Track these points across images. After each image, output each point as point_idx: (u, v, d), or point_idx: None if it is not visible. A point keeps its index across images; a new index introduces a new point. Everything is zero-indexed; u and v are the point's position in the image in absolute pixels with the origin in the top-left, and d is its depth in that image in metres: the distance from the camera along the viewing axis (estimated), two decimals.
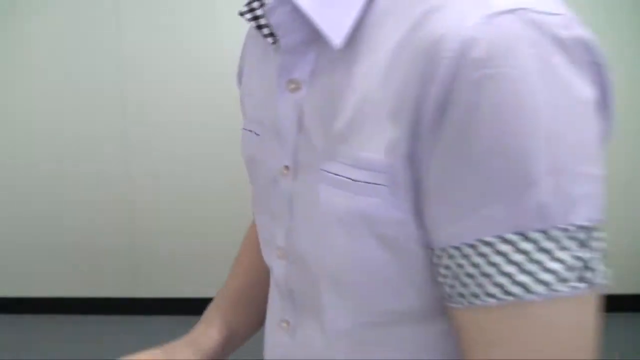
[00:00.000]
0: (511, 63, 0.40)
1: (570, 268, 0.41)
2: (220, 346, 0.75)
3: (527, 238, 0.41)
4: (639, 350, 2.78)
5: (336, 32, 0.47)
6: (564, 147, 0.41)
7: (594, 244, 0.42)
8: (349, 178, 0.48)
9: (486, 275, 0.42)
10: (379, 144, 0.46)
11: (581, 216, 0.41)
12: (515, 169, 0.41)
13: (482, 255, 0.42)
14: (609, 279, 0.43)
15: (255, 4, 0.56)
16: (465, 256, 0.43)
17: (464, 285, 0.44)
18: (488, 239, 0.42)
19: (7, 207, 3.30)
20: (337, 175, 0.49)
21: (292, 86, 0.52)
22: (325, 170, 0.50)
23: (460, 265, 0.44)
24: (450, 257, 0.44)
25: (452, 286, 0.45)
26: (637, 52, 3.04)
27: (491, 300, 0.42)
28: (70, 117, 3.20)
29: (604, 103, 0.45)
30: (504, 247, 0.42)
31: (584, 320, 0.43)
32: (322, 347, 0.56)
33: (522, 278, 0.41)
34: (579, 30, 0.43)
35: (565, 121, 0.41)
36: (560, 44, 0.42)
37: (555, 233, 0.41)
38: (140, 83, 3.16)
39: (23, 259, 3.32)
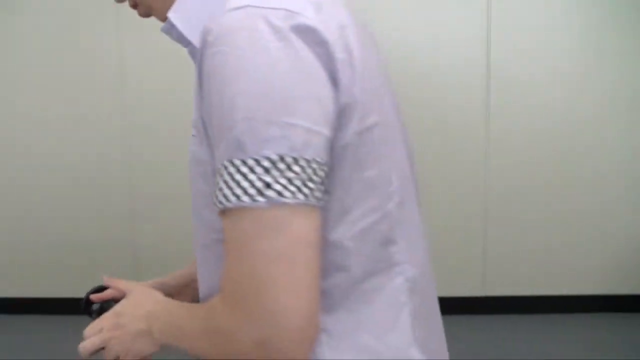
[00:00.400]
0: (228, 43, 0.59)
1: (254, 187, 0.57)
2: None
3: (232, 164, 0.58)
4: (639, 350, 2.78)
5: (197, 39, 0.69)
6: (259, 101, 0.57)
7: (278, 172, 0.57)
8: (193, 135, 0.69)
9: (218, 188, 0.60)
10: (196, 109, 0.66)
11: (269, 151, 0.57)
12: (225, 116, 0.59)
13: (220, 174, 0.60)
14: (305, 197, 0.57)
15: None
16: (218, 175, 0.60)
17: (214, 196, 0.61)
18: (219, 165, 0.60)
19: (7, 207, 3.30)
20: (192, 135, 0.70)
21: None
22: (192, 134, 0.71)
23: (216, 182, 0.61)
24: (215, 176, 0.63)
25: (214, 198, 0.62)
26: (637, 52, 3.04)
27: (218, 206, 0.60)
28: (70, 117, 3.20)
29: (332, 75, 0.61)
30: (222, 170, 0.59)
31: (266, 228, 0.57)
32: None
33: (226, 191, 0.58)
34: (302, 20, 0.60)
35: (265, 84, 0.58)
36: (275, 29, 0.59)
37: (249, 162, 0.57)
38: (141, 83, 3.16)
39: (23, 259, 3.32)
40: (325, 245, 0.65)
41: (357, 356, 0.67)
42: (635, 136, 3.09)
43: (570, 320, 3.10)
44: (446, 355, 0.84)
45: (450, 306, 3.19)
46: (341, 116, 0.63)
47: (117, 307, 0.80)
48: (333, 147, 0.63)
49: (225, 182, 0.58)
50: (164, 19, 0.74)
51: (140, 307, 0.76)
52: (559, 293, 3.18)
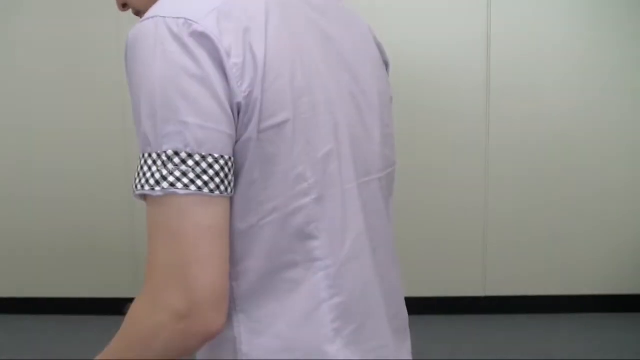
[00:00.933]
0: (136, 49, 0.67)
1: (154, 177, 0.64)
2: None
3: (142, 156, 0.66)
4: (639, 350, 2.78)
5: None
6: (158, 102, 0.65)
7: (173, 165, 0.64)
8: None
9: (134, 176, 0.68)
10: None
11: (167, 146, 0.64)
12: (136, 114, 0.67)
13: (139, 165, 0.67)
14: (198, 188, 0.64)
15: None
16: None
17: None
18: (139, 156, 0.67)
19: (8, 208, 3.30)
20: None
21: None
22: None
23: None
24: None
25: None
26: (637, 52, 3.04)
27: (133, 194, 0.68)
28: (70, 117, 3.20)
29: (226, 78, 0.67)
30: (138, 162, 0.67)
31: (163, 214, 0.65)
32: None
33: (136, 180, 0.66)
34: (197, 27, 0.66)
35: (163, 85, 0.65)
36: (175, 36, 0.66)
37: (153, 155, 0.65)
38: None
39: (23, 259, 3.32)
40: (238, 232, 0.72)
41: (270, 342, 0.73)
42: (637, 138, 3.08)
43: (570, 320, 3.10)
44: (401, 354, 0.88)
45: (450, 306, 3.20)
46: (241, 114, 0.68)
47: None
48: (238, 142, 0.69)
49: (137, 173, 0.67)
50: None
51: None
52: (559, 293, 3.18)
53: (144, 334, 0.66)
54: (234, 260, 0.72)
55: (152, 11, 0.69)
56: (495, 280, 3.19)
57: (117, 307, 3.12)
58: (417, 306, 3.24)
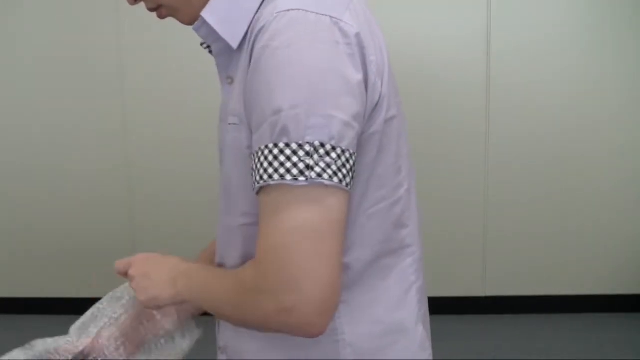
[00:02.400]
0: (282, 41, 0.65)
1: (296, 167, 0.64)
2: None
3: (277, 146, 0.65)
4: (639, 350, 2.78)
5: (233, 39, 0.75)
6: (305, 93, 0.64)
7: (318, 156, 0.64)
8: (230, 123, 0.75)
9: (260, 167, 0.66)
10: (239, 99, 0.73)
11: (312, 137, 0.64)
12: (272, 103, 0.65)
13: (260, 156, 0.66)
14: (339, 181, 0.64)
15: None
16: (256, 156, 0.67)
17: (253, 175, 0.67)
18: (258, 148, 0.67)
19: (8, 208, 3.30)
20: (229, 123, 0.76)
21: (229, 80, 0.78)
22: (228, 123, 0.77)
23: (254, 162, 0.67)
24: (253, 157, 0.68)
25: (253, 177, 0.68)
26: (637, 53, 3.04)
27: (258, 184, 0.66)
28: (70, 117, 3.20)
29: (366, 76, 0.69)
30: (264, 152, 0.66)
31: (304, 203, 0.64)
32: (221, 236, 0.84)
33: (270, 170, 0.65)
34: (343, 26, 0.67)
35: (311, 78, 0.64)
36: (323, 32, 0.66)
37: (293, 145, 0.64)
38: (140, 83, 3.16)
39: (23, 260, 3.32)
40: (351, 222, 0.73)
41: (371, 327, 0.76)
42: (637, 135, 3.08)
43: (570, 320, 3.10)
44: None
45: (450, 306, 3.20)
46: (370, 112, 0.71)
47: (140, 268, 0.87)
48: (362, 136, 0.71)
49: (270, 163, 0.65)
50: (189, 21, 0.80)
51: (163, 267, 0.83)
52: (559, 293, 3.18)
53: (247, 314, 0.68)
54: (342, 250, 0.71)
55: (289, 3, 0.68)
56: (495, 280, 3.19)
57: None
58: None
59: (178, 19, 0.82)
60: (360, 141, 0.71)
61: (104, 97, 3.17)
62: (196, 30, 0.79)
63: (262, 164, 0.66)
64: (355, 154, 0.68)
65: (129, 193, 3.23)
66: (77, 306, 3.50)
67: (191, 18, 0.79)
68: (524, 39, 3.04)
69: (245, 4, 0.74)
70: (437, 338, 3.37)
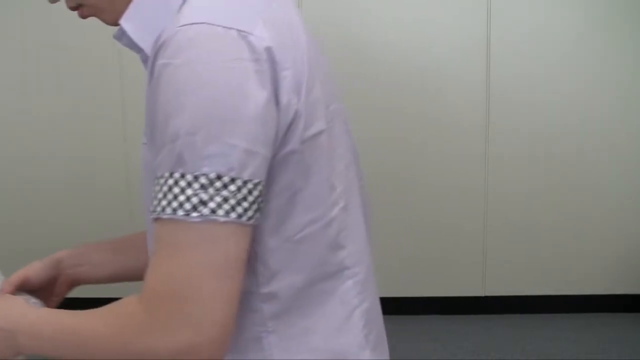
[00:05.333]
0: (181, 57, 0.60)
1: (189, 201, 0.59)
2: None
3: (172, 176, 0.60)
4: (639, 350, 2.78)
5: (148, 47, 0.69)
6: (203, 118, 0.59)
7: (214, 190, 0.59)
8: (143, 142, 0.72)
9: (155, 197, 0.61)
10: (148, 116, 0.67)
11: (208, 168, 0.59)
12: (170, 128, 0.60)
13: (159, 183, 0.61)
14: (237, 216, 0.60)
15: None
16: (156, 182, 0.62)
17: (152, 202, 0.62)
18: (159, 173, 0.61)
19: (8, 208, 3.30)
20: (142, 142, 0.72)
21: None
22: (142, 141, 0.73)
23: (153, 188, 0.63)
24: (154, 182, 0.63)
25: (152, 203, 0.63)
26: (636, 51, 3.04)
27: (152, 215, 0.62)
28: (69, 117, 3.20)
29: (277, 94, 0.63)
30: (162, 180, 0.61)
31: (197, 242, 0.59)
32: None
33: (163, 202, 0.60)
34: (252, 40, 0.62)
35: (210, 102, 0.59)
36: (225, 48, 0.60)
37: (188, 177, 0.59)
38: (140, 83, 3.15)
39: (24, 260, 3.31)
40: (271, 249, 0.68)
41: (308, 356, 0.71)
42: (637, 135, 3.08)
43: (570, 320, 3.10)
44: (387, 353, 0.87)
45: (450, 306, 3.20)
46: (284, 133, 0.65)
47: None
48: (275, 158, 0.65)
49: (164, 193, 0.60)
50: (112, 23, 0.76)
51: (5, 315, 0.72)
52: (559, 293, 3.18)
53: (130, 350, 0.61)
54: (265, 279, 0.69)
55: (194, 15, 0.63)
56: (495, 280, 3.19)
57: None
58: (417, 306, 3.25)
59: (101, 20, 0.78)
60: (273, 164, 0.65)
61: (105, 96, 3.17)
62: (117, 39, 0.75)
63: (157, 193, 0.61)
64: (262, 183, 0.62)
65: (129, 191, 3.23)
66: (78, 306, 3.51)
67: (114, 20, 0.74)
68: (523, 37, 3.04)
69: (164, 11, 0.68)
70: (437, 338, 3.39)
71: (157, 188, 0.62)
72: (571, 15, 3.03)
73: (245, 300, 0.68)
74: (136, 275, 0.97)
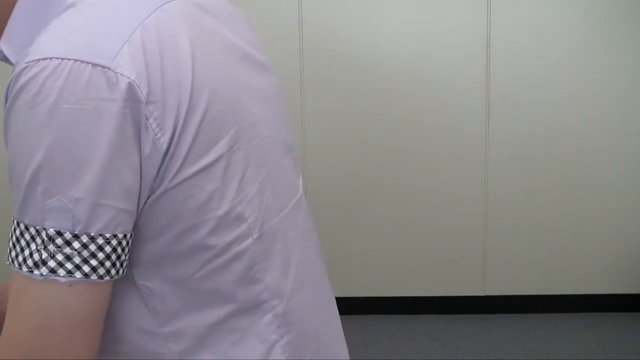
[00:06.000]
0: (26, 99, 0.54)
1: (32, 258, 0.54)
2: None
3: (19, 225, 0.55)
4: (639, 350, 2.78)
5: (14, 58, 0.62)
6: (46, 170, 0.53)
7: (55, 247, 0.54)
8: None
9: (9, 241, 0.57)
10: None
11: (49, 223, 0.54)
12: (13, 175, 0.56)
13: (12, 227, 0.56)
14: (84, 275, 0.55)
15: None
16: (12, 227, 0.57)
17: (8, 246, 0.57)
18: (14, 215, 0.56)
19: (7, 207, 3.29)
20: None
21: None
22: None
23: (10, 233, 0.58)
24: None
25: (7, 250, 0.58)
26: (636, 51, 3.04)
27: (6, 261, 0.57)
28: None
29: (138, 135, 0.55)
30: (13, 226, 0.56)
31: (39, 301, 0.54)
32: None
33: (12, 253, 0.56)
34: (110, 76, 0.54)
35: (54, 151, 0.53)
36: (77, 89, 0.53)
37: (31, 229, 0.54)
38: None
39: None
40: (167, 290, 0.62)
41: None
42: (637, 135, 3.08)
43: (570, 320, 3.10)
44: None
45: (450, 306, 3.20)
46: (154, 175, 0.58)
47: None
48: (148, 201, 0.59)
49: (13, 243, 0.56)
50: None
51: None
52: (559, 292, 3.18)
53: None
54: (166, 318, 0.63)
55: (47, 47, 0.55)
56: (495, 280, 3.19)
57: None
58: (417, 306, 3.25)
59: None
60: (150, 207, 0.59)
61: None
62: (3, 60, 0.67)
63: (10, 238, 0.57)
64: (119, 237, 0.56)
65: None
66: None
67: None
68: (523, 37, 3.04)
69: (39, 30, 0.60)
70: (437, 338, 3.39)
71: (10, 233, 0.57)
72: (571, 15, 3.03)
73: (151, 341, 0.64)
74: None
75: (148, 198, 0.59)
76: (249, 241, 0.65)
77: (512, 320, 3.12)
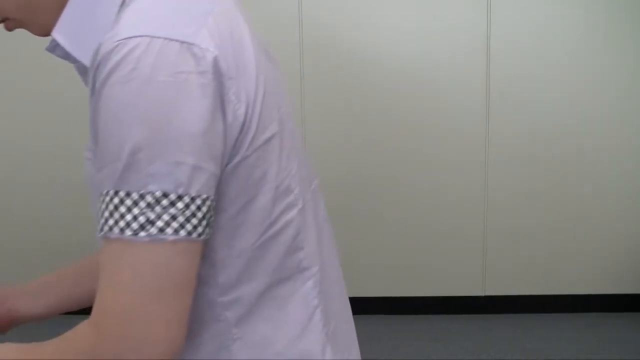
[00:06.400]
0: (122, 73, 0.58)
1: (136, 221, 0.58)
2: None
3: (117, 194, 0.58)
4: (639, 350, 2.78)
5: (85, 57, 0.68)
6: (148, 136, 0.57)
7: (161, 208, 0.58)
8: (87, 157, 0.70)
9: (102, 215, 0.60)
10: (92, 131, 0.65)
11: (153, 186, 0.58)
12: (113, 146, 0.58)
13: (104, 201, 0.60)
14: (187, 233, 0.59)
15: None
16: (100, 200, 0.61)
17: (99, 221, 0.61)
18: (104, 191, 0.60)
19: (8, 208, 3.30)
20: (86, 158, 0.70)
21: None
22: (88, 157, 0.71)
23: (99, 206, 0.61)
24: (99, 199, 0.62)
25: (98, 221, 0.62)
26: (636, 51, 3.05)
27: (100, 234, 0.60)
28: (70, 116, 3.20)
29: (224, 108, 0.62)
30: (107, 198, 0.59)
31: (146, 263, 0.58)
32: None
33: (110, 222, 0.59)
34: (196, 51, 0.60)
35: (155, 119, 0.58)
36: (169, 63, 0.58)
37: (134, 195, 0.58)
38: None
39: (25, 260, 3.32)
40: (229, 259, 0.68)
41: None
42: (637, 135, 3.09)
43: (570, 320, 3.10)
44: (356, 347, 0.88)
45: (450, 306, 3.20)
46: (233, 144, 0.64)
47: None
48: (226, 169, 0.64)
49: (110, 213, 0.59)
50: (42, 34, 0.74)
51: None
52: (559, 293, 3.18)
53: None
54: (226, 288, 0.69)
55: (133, 27, 0.60)
56: (494, 279, 3.19)
57: None
58: (417, 306, 3.25)
59: (31, 32, 0.75)
60: (224, 175, 0.64)
61: None
62: (50, 51, 0.72)
63: (103, 212, 0.60)
64: (211, 198, 0.62)
65: None
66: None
67: (43, 32, 0.73)
68: (523, 37, 3.04)
69: (98, 20, 0.67)
70: (437, 338, 3.39)
71: (103, 206, 0.60)
72: (571, 15, 3.03)
73: (209, 310, 0.69)
74: (82, 301, 1.03)
75: (226, 166, 0.64)
76: (294, 211, 0.72)
77: (512, 320, 3.12)
